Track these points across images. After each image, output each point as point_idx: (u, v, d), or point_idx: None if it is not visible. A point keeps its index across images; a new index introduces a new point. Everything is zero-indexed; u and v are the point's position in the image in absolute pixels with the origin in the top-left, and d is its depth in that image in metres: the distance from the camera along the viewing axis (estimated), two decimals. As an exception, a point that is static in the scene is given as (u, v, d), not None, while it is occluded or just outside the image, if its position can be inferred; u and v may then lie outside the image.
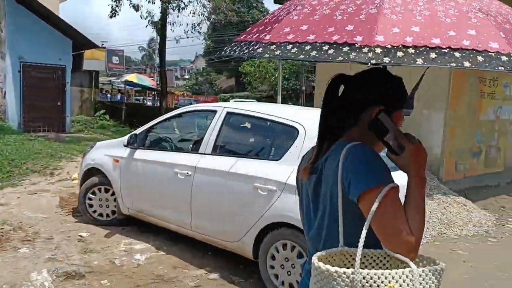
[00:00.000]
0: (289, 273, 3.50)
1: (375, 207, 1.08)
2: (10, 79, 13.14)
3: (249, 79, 37.14)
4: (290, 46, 1.15)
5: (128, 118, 19.15)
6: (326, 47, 1.08)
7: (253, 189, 3.65)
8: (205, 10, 16.73)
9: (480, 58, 0.99)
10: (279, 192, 3.50)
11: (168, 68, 45.02)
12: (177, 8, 15.94)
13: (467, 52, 1.00)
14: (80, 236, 4.70)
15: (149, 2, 15.39)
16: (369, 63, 1.03)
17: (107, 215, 5.12)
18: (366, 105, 1.27)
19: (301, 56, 1.12)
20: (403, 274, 1.06)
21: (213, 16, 18.98)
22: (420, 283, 1.08)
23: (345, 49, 1.05)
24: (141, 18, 16.07)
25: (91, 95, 21.29)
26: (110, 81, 27.16)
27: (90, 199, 5.11)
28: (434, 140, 7.11)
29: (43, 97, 13.90)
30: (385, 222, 1.10)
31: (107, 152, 5.09)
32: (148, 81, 28.43)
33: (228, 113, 4.22)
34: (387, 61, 1.01)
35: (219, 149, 4.13)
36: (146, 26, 16.26)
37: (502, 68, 0.99)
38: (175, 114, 4.89)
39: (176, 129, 5.15)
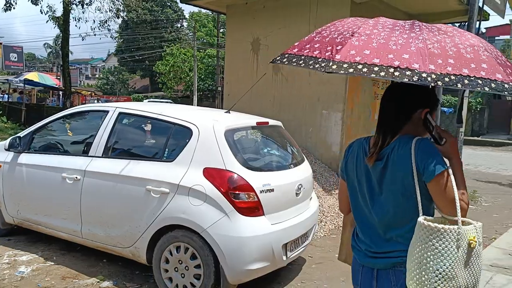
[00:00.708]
0: (183, 275, 3.46)
1: (444, 188, 1.56)
2: None
3: (163, 79, 36.34)
4: (360, 66, 1.49)
5: (29, 119, 17.72)
6: (391, 70, 1.45)
7: (146, 192, 3.56)
8: (113, 6, 16.02)
9: (493, 85, 1.45)
10: (172, 194, 3.45)
11: (77, 66, 42.45)
12: (80, 4, 15.08)
13: (487, 80, 1.45)
14: (-45, 250, 4.24)
15: (49, -5, 14.38)
16: (430, 86, 1.54)
17: None
18: (416, 107, 1.69)
19: (372, 75, 1.48)
20: (474, 227, 1.52)
21: (122, 14, 18.26)
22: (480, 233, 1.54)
23: (408, 72, 1.43)
24: (41, 13, 14.94)
25: (-15, 95, 19.36)
26: (8, 80, 24.83)
27: None
28: (333, 138, 7.53)
29: None
30: (449, 196, 1.55)
31: None
32: (51, 79, 26.46)
33: (120, 113, 4.07)
34: (440, 84, 1.42)
35: (111, 151, 3.97)
36: (47, 22, 15.12)
37: (506, 92, 1.47)
38: (64, 115, 4.61)
39: (65, 131, 4.85)
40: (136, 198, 3.63)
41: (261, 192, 3.44)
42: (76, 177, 3.93)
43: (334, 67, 1.53)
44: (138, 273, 3.97)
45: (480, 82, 1.44)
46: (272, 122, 4.34)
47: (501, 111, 22.92)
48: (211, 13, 37.19)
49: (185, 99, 35.26)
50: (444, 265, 1.47)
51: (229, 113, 4.25)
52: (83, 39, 16.99)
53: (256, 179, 3.46)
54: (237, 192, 3.35)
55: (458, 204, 1.52)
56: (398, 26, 1.61)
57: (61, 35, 16.69)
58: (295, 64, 1.70)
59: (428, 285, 1.49)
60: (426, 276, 1.49)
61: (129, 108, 4.21)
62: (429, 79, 1.41)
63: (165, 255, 3.52)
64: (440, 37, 1.55)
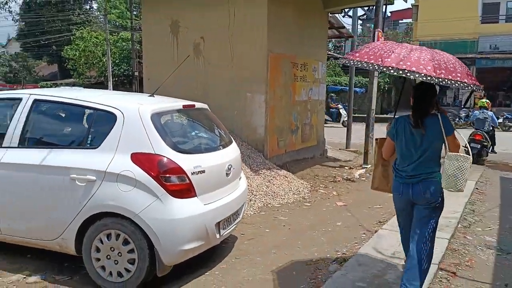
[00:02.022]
0: (116, 262, 3.42)
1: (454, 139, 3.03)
2: None
3: (74, 65, 34.11)
4: (409, 74, 2.77)
5: None
6: (441, 78, 2.76)
7: (70, 180, 3.47)
8: (12, -15, 14.59)
9: (463, 84, 2.88)
10: (99, 181, 3.40)
11: (-29, 52, 38.17)
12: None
13: (461, 82, 2.83)
14: None
15: None
16: (437, 84, 2.86)
17: None
18: (434, 97, 3.08)
19: (420, 79, 2.77)
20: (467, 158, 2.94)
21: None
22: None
23: (454, 80, 2.80)
24: None
25: None
26: None
27: None
28: (258, 120, 7.73)
29: None
30: (455, 143, 3.02)
31: None
32: None
33: (36, 100, 3.90)
34: (441, 83, 2.80)
35: (28, 141, 3.82)
36: None
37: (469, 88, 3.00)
38: None
39: None
40: (59, 188, 3.52)
41: (192, 174, 3.50)
42: None
43: (383, 69, 2.87)
44: (67, 265, 3.86)
45: (458, 83, 2.80)
46: (198, 105, 4.38)
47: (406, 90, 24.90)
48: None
49: (99, 86, 33.49)
50: (465, 174, 2.91)
51: (153, 97, 4.24)
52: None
53: (187, 162, 3.51)
54: (168, 175, 3.37)
55: (461, 147, 3.03)
56: (416, 49, 3.01)
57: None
58: (359, 64, 2.97)
59: (459, 186, 2.92)
60: (459, 182, 2.91)
61: (46, 95, 4.04)
62: (437, 80, 2.74)
63: (95, 244, 3.45)
64: (438, 56, 2.93)
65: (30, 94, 3.97)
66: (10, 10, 14.28)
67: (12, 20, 34.03)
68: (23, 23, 40.71)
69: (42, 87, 34.00)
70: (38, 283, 3.54)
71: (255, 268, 3.96)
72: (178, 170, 3.43)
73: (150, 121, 3.50)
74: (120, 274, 3.42)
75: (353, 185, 7.55)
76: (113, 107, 3.61)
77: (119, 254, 3.41)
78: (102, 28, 34.43)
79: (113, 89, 29.84)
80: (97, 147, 3.53)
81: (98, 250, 3.46)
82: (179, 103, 4.14)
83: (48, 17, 38.02)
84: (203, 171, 3.61)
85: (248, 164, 6.99)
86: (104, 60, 31.66)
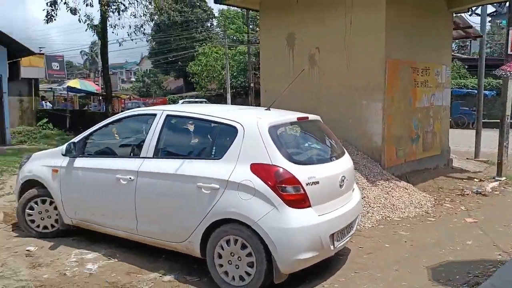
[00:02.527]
0: (237, 266, 3.62)
1: None
2: None
3: (197, 79, 36.86)
4: None
5: (73, 125, 18.52)
6: None
7: (197, 188, 3.76)
8: (147, 11, 16.45)
9: None
10: (222, 189, 3.64)
11: (113, 71, 43.75)
12: (117, 11, 15.58)
13: None
14: (28, 250, 4.57)
15: (87, 5, 14.92)
16: None
17: (52, 226, 5.02)
18: None
19: None
20: None
21: (155, 17, 18.70)
22: None
23: None
24: (80, 21, 15.54)
25: (31, 104, 20.37)
26: (52, 88, 26.00)
27: (30, 211, 5.01)
28: (375, 129, 7.49)
29: (-22, 110, 13.18)
30: None
31: (45, 162, 5.00)
32: (91, 86, 27.52)
33: (167, 115, 4.31)
34: None
35: (161, 152, 4.21)
36: (86, 30, 15.72)
37: None
38: (114, 120, 4.86)
39: (116, 135, 5.08)
40: (188, 194, 3.84)
41: (307, 184, 3.58)
42: (130, 178, 4.18)
43: None
44: (196, 267, 4.16)
45: None
46: (311, 117, 4.48)
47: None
48: (240, 10, 37.33)
49: (219, 97, 35.68)
50: None
51: (270, 110, 4.44)
52: (120, 45, 17.62)
53: (302, 173, 3.61)
54: (284, 185, 3.50)
55: None
56: None
57: (97, 42, 17.28)
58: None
59: None
60: None
61: (176, 111, 4.48)
62: None
63: (217, 249, 3.70)
64: None
65: (163, 110, 4.41)
66: (144, 32, 16.26)
67: (146, 41, 38.05)
68: (154, 43, 45.31)
69: (169, 99, 37.42)
70: (172, 282, 3.90)
71: (375, 284, 3.83)
72: (294, 181, 3.54)
73: (267, 133, 3.69)
74: (242, 278, 3.61)
75: (484, 199, 6.85)
76: (234, 121, 3.86)
77: (239, 259, 3.61)
78: (221, 44, 36.65)
79: (231, 100, 31.53)
80: (220, 158, 3.79)
81: (220, 255, 3.70)
82: (293, 116, 4.26)
83: (175, 36, 41.78)
84: (317, 182, 3.67)
85: (364, 174, 6.80)
86: (223, 73, 33.65)
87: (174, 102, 34.40)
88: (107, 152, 4.87)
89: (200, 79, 36.75)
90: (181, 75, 46.13)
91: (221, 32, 40.18)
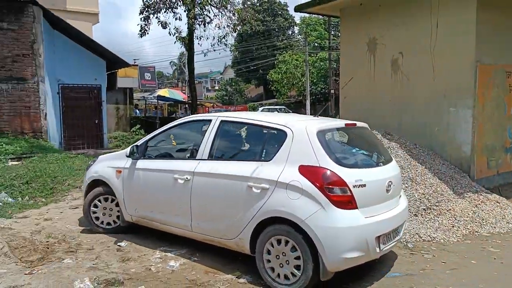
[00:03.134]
0: (287, 262, 3.78)
1: None
2: (50, 101, 13.90)
3: (277, 86, 37.29)
4: None
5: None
6: None
7: (247, 188, 4.01)
8: (230, 22, 17.10)
9: None
10: (271, 189, 3.85)
11: (199, 80, 45.89)
12: (202, 23, 16.41)
13: None
14: (119, 245, 4.99)
15: (176, 19, 15.92)
16: None
17: (114, 222, 5.46)
18: None
19: None
20: None
21: (238, 28, 19.35)
22: None
23: None
24: (169, 34, 16.62)
25: (126, 111, 22.14)
26: (144, 97, 28.03)
27: (95, 208, 5.49)
28: (463, 138, 7.03)
29: (81, 116, 14.64)
30: None
31: (110, 164, 5.44)
32: (179, 94, 29.14)
33: (221, 121, 4.62)
34: None
35: (215, 154, 4.51)
36: (175, 43, 16.77)
37: None
38: (174, 125, 5.18)
39: (172, 139, 5.47)
40: (239, 194, 4.08)
41: (354, 186, 3.70)
42: (187, 178, 4.49)
43: None
44: (270, 271, 4.22)
45: None
46: (359, 124, 4.61)
47: None
48: (322, 17, 37.16)
49: (298, 104, 35.75)
50: None
51: (318, 117, 4.69)
52: (205, 55, 18.53)
53: (349, 175, 3.74)
54: (331, 186, 3.65)
55: None
56: None
57: (185, 53, 18.28)
58: None
59: None
60: None
61: (229, 116, 4.79)
62: None
63: (267, 247, 3.89)
64: None
65: (218, 116, 4.74)
66: (226, 43, 17.02)
67: (230, 51, 39.44)
68: (237, 52, 46.75)
69: (249, 107, 38.31)
70: (247, 285, 4.01)
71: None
72: (341, 183, 3.67)
73: (316, 137, 3.88)
74: (286, 277, 3.79)
75: None
76: (284, 126, 4.09)
77: (287, 262, 3.77)
78: (302, 51, 36.75)
79: (310, 107, 31.41)
80: (270, 160, 4.01)
81: (268, 252, 3.89)
82: (341, 122, 4.46)
83: (256, 45, 42.77)
84: (364, 185, 3.78)
85: (451, 185, 6.39)
86: (303, 80, 33.70)
87: (254, 109, 35.15)
88: (166, 155, 5.24)
89: (280, 87, 37.15)
90: (261, 83, 47.04)
91: (302, 39, 40.27)
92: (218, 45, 17.60)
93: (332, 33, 36.60)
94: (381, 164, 4.29)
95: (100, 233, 5.43)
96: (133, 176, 5.11)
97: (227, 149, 4.65)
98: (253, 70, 45.31)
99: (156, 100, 23.92)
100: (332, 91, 30.85)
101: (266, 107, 33.13)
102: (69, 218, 6.16)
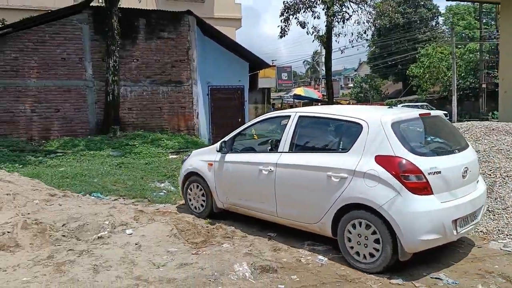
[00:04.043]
0: (365, 245, 4.14)
1: None
2: (201, 102, 15.35)
3: (418, 82, 34.93)
4: None
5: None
6: None
7: (327, 177, 4.38)
8: (370, 17, 16.64)
9: None
10: (349, 178, 4.20)
11: (334, 78, 45.57)
12: (341, 20, 16.30)
13: None
14: (269, 235, 5.29)
15: (314, 18, 16.11)
16: None
17: (202, 206, 6.13)
18: None
19: None
20: None
21: (377, 21, 18.73)
22: None
23: None
24: (307, 34, 16.91)
25: (264, 110, 23.20)
26: (280, 96, 29.02)
27: (189, 194, 6.30)
28: None
29: (226, 115, 15.85)
30: None
31: (202, 158, 6.10)
32: (314, 93, 29.42)
33: (300, 116, 5.01)
34: None
35: (295, 147, 4.91)
36: (313, 41, 17.01)
37: None
38: (256, 121, 5.76)
39: (254, 134, 6.13)
40: (319, 182, 4.47)
41: (428, 174, 3.96)
42: (270, 169, 4.97)
43: None
44: (425, 275, 4.05)
45: None
46: (434, 113, 4.89)
47: None
48: (471, 5, 33.74)
49: (442, 101, 33.00)
50: None
51: (392, 108, 5.10)
52: (342, 52, 18.35)
53: (423, 163, 3.99)
54: (407, 174, 3.94)
55: None
56: None
57: (318, 51, 18.37)
58: None
59: None
60: None
61: (307, 112, 5.19)
62: None
63: (347, 231, 4.27)
64: None
65: (296, 112, 5.16)
66: (367, 38, 16.67)
67: (368, 46, 38.35)
68: (374, 48, 45.16)
69: (387, 104, 36.66)
70: (400, 286, 3.90)
71: None
72: (416, 170, 3.95)
73: (390, 128, 4.16)
74: (365, 257, 4.16)
75: None
76: (359, 119, 4.39)
77: (366, 239, 4.13)
78: (447, 42, 33.82)
79: (456, 104, 28.72)
80: (347, 151, 4.37)
81: (349, 233, 4.26)
82: (415, 113, 4.70)
83: (395, 39, 40.75)
84: (439, 172, 4.02)
85: None
86: (449, 74, 30.98)
87: (393, 106, 33.45)
88: (250, 148, 5.84)
89: (422, 82, 34.72)
90: (400, 78, 44.65)
91: (448, 30, 37.04)
92: (357, 41, 17.29)
93: (484, 21, 32.90)
94: (456, 151, 4.46)
95: (195, 216, 6.13)
96: (223, 168, 5.68)
97: (306, 142, 5.04)
98: (390, 66, 43.24)
99: (292, 99, 24.58)
100: (484, 86, 27.75)
101: (406, 104, 31.32)
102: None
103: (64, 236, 5.19)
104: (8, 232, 5.13)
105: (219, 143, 5.88)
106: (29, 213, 5.89)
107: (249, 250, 4.78)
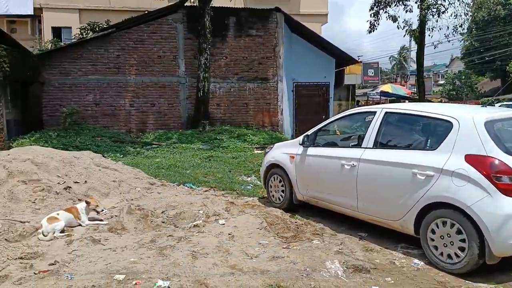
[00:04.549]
0: (451, 243, 4.02)
1: None
2: (286, 98, 15.47)
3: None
4: None
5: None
6: None
7: (412, 175, 4.31)
8: (468, 9, 15.50)
9: None
10: (436, 176, 4.10)
11: (426, 74, 43.13)
12: (436, 13, 15.38)
13: None
14: (359, 235, 5.20)
15: (406, 11, 15.40)
16: None
17: (279, 198, 6.33)
18: None
19: None
20: None
21: (476, 14, 17.38)
22: None
23: None
24: (398, 28, 16.21)
25: (347, 107, 22.69)
26: (366, 93, 28.17)
27: (270, 186, 6.51)
28: None
29: (310, 112, 15.80)
30: None
31: (284, 150, 6.24)
32: (402, 90, 28.14)
33: (386, 112, 4.95)
34: None
35: (379, 143, 4.88)
36: (404, 36, 16.26)
37: None
38: (339, 117, 5.77)
39: (337, 129, 6.15)
40: (403, 180, 4.41)
41: None
42: (353, 164, 4.98)
43: None
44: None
45: None
46: None
47: None
48: None
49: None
50: None
51: (485, 107, 4.93)
52: (435, 47, 17.29)
53: None
54: (499, 175, 3.76)
55: None
56: None
57: (406, 47, 17.49)
58: None
59: None
60: None
61: (394, 108, 5.11)
62: None
63: (430, 229, 4.17)
64: None
65: (382, 108, 5.09)
66: (462, 32, 15.54)
67: (463, 40, 35.75)
68: (469, 42, 41.96)
69: (482, 103, 33.88)
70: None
71: None
72: (509, 171, 3.76)
73: (483, 127, 4.02)
74: (450, 257, 4.03)
75: None
76: (450, 116, 4.29)
77: (451, 243, 4.00)
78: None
79: None
80: (435, 149, 4.28)
81: (433, 232, 4.16)
82: (510, 112, 4.55)
83: (495, 32, 37.46)
84: None
85: None
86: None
87: (489, 105, 30.87)
88: (332, 143, 5.88)
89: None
90: (498, 75, 40.96)
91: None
92: (453, 35, 16.20)
93: None
94: None
95: (274, 207, 6.25)
96: (305, 161, 5.79)
97: (392, 138, 4.98)
98: (488, 61, 39.84)
99: (379, 96, 23.74)
100: None
101: (505, 102, 28.69)
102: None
103: (163, 222, 5.58)
104: (116, 215, 5.64)
105: (301, 136, 5.99)
106: (132, 199, 6.43)
107: (340, 249, 4.74)
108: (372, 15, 16.24)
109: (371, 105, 31.25)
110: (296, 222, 5.71)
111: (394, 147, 4.86)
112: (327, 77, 16.00)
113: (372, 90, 28.68)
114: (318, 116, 15.88)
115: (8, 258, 4.24)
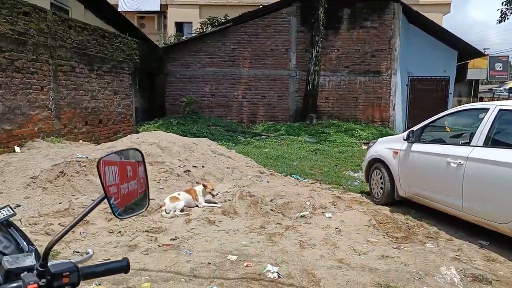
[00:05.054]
0: None
1: None
2: (399, 92, 14.74)
3: None
4: None
5: None
6: None
7: None
8: None
9: None
10: None
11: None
12: None
13: None
14: (480, 243, 4.80)
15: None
16: None
17: (379, 192, 6.23)
18: None
19: None
20: None
21: None
22: None
23: None
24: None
25: (468, 104, 20.82)
26: (491, 89, 25.50)
27: (372, 180, 6.43)
28: None
29: (426, 108, 14.83)
30: None
31: (388, 145, 6.15)
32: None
33: (500, 110, 4.64)
34: None
35: (491, 142, 4.58)
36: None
37: None
38: (449, 113, 5.61)
39: (447, 126, 5.83)
40: None
41: None
42: (460, 162, 4.75)
43: None
44: None
45: None
46: None
47: None
48: None
49: None
50: None
51: None
52: None
53: None
54: None
55: None
56: None
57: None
58: None
59: None
60: None
61: (509, 105, 4.69)
62: None
63: None
64: None
65: (496, 105, 4.80)
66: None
67: None
68: None
69: None
70: None
71: None
72: None
73: None
74: None
75: None
76: None
77: None
78: None
79: None
80: None
81: None
82: None
83: None
84: None
85: None
86: None
87: None
88: (439, 140, 5.59)
89: None
90: None
91: None
92: None
93: None
94: None
95: (374, 202, 6.25)
96: (408, 157, 5.66)
97: (505, 137, 4.67)
98: None
99: (507, 93, 21.30)
100: None
101: None
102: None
103: (272, 210, 5.77)
104: (229, 200, 5.98)
105: (406, 132, 5.86)
106: (244, 186, 6.75)
107: (457, 255, 4.43)
108: (505, 2, 14.57)
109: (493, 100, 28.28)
110: (407, 223, 5.46)
111: (507, 146, 4.53)
112: (447, 71, 14.83)
113: (499, 86, 25.79)
114: (434, 113, 14.75)
115: (136, 230, 4.78)
